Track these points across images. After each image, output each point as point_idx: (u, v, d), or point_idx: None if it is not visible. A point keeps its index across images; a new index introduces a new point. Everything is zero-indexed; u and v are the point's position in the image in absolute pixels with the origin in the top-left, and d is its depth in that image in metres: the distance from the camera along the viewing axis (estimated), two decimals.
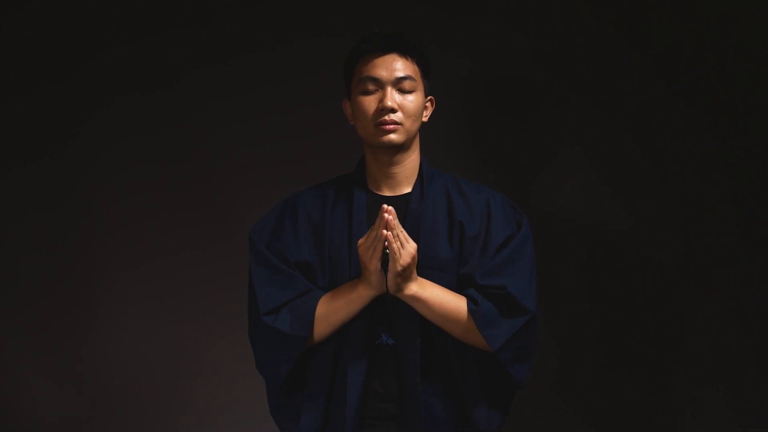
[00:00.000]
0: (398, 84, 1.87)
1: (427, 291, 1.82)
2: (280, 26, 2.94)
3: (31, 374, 2.87)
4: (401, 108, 1.86)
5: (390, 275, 1.78)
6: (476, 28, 2.93)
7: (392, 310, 1.86)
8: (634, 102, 2.91)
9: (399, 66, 1.87)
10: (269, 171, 2.89)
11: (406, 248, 1.77)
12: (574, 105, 2.92)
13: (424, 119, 1.95)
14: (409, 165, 1.94)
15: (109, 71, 2.92)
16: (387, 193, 1.94)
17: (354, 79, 1.91)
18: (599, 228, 2.91)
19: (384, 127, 1.86)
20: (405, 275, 1.79)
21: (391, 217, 1.74)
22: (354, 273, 1.87)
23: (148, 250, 2.91)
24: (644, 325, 2.89)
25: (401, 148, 1.90)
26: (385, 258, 1.77)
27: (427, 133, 2.04)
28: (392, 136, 1.86)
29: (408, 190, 1.93)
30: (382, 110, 1.85)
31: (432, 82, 1.98)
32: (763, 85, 2.86)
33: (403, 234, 1.77)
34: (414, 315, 1.84)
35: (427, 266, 1.86)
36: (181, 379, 2.91)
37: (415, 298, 1.81)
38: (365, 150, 1.96)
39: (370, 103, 1.87)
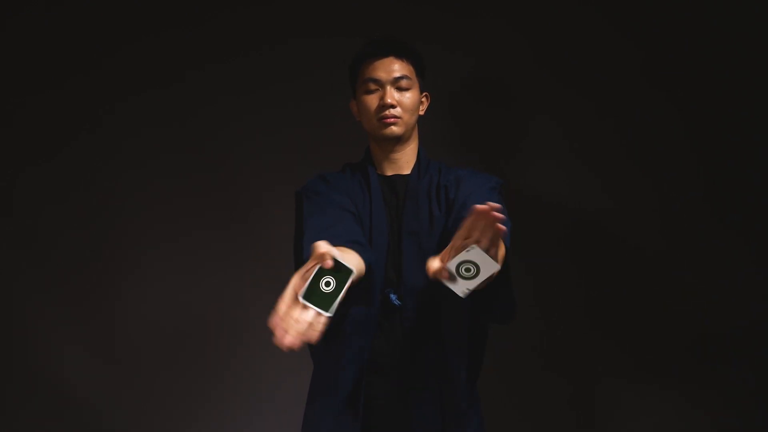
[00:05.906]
0: (396, 83, 2.10)
1: None
2: (293, 24, 3.06)
3: (65, 343, 3.02)
4: (400, 104, 2.10)
5: None
6: (477, 29, 3.03)
7: (397, 276, 2.05)
8: (630, 100, 3.00)
9: (396, 67, 2.11)
10: (280, 159, 3.03)
11: None
12: (568, 101, 3.03)
13: (421, 113, 2.18)
14: (409, 152, 2.16)
15: (128, 68, 3.07)
16: (390, 173, 2.16)
17: (358, 80, 2.14)
18: (585, 212, 3.04)
19: (386, 120, 2.09)
20: None
21: None
22: (374, 235, 2.05)
23: (170, 229, 3.07)
24: (622, 294, 3.02)
25: (401, 138, 2.13)
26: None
27: (431, 127, 2.23)
28: (393, 128, 2.10)
29: (407, 172, 2.16)
30: (383, 106, 2.09)
31: (428, 80, 2.17)
32: (736, 80, 2.97)
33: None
34: (418, 281, 2.02)
35: (423, 227, 2.05)
36: (206, 349, 3.06)
37: None
38: (370, 141, 2.18)
39: (372, 100, 2.11)
